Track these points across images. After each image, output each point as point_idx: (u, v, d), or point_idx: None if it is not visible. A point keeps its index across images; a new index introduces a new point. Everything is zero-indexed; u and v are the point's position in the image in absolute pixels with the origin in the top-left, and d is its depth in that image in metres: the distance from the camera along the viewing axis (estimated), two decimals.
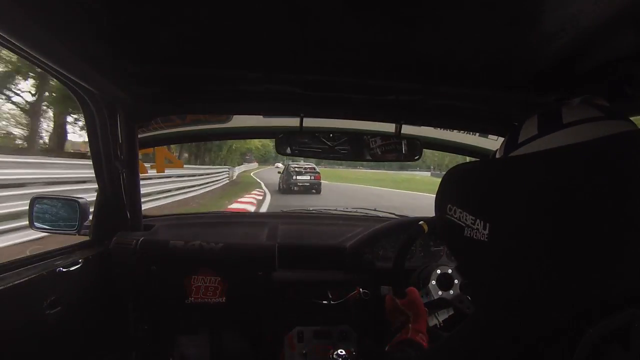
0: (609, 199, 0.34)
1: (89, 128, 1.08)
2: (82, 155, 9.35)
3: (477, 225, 0.40)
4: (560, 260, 0.34)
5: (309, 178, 13.95)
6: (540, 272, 0.35)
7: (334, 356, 1.09)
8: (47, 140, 11.40)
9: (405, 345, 0.82)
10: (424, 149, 1.21)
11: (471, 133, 1.39)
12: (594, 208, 0.34)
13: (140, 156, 1.21)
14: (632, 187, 0.34)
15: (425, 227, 0.95)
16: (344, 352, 1.09)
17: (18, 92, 10.37)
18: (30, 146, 10.32)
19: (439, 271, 1.07)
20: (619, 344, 0.33)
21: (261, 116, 1.31)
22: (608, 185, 0.34)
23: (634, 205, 0.34)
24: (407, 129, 1.18)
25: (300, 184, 13.73)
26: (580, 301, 0.34)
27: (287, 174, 14.11)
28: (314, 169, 14.38)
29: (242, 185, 15.40)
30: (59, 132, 11.23)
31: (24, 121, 10.90)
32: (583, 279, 0.34)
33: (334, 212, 1.72)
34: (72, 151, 11.69)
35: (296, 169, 14.15)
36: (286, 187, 13.74)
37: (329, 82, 1.01)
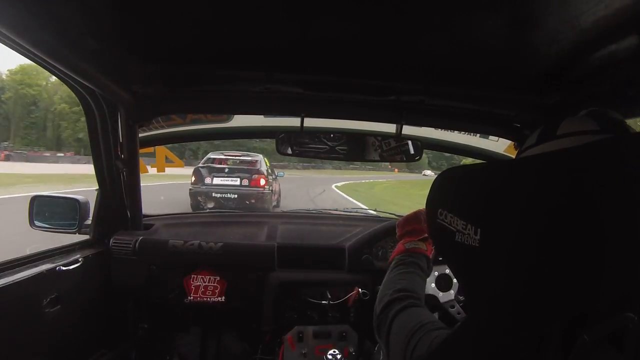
0: (583, 205, 0.33)
1: (90, 127, 1.08)
2: None
3: (469, 230, 0.39)
4: (552, 268, 0.34)
5: (237, 184, 6.48)
6: (532, 279, 0.35)
7: (328, 356, 1.08)
8: None
9: (424, 258, 0.73)
10: (424, 150, 1.21)
11: (472, 134, 1.39)
12: (571, 216, 0.33)
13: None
14: (606, 193, 0.33)
15: None
16: (337, 352, 1.09)
17: None
18: None
19: (437, 272, 1.07)
20: (613, 347, 0.34)
21: (262, 116, 1.31)
22: (574, 193, 0.33)
23: (614, 210, 0.32)
24: (407, 130, 1.18)
25: (218, 195, 6.37)
26: (573, 307, 0.34)
27: (197, 174, 6.63)
28: (255, 163, 6.96)
29: None
30: None
31: None
32: (576, 285, 0.33)
33: (333, 212, 1.72)
34: None
35: (213, 163, 6.87)
36: (193, 201, 6.41)
37: (330, 82, 1.01)
